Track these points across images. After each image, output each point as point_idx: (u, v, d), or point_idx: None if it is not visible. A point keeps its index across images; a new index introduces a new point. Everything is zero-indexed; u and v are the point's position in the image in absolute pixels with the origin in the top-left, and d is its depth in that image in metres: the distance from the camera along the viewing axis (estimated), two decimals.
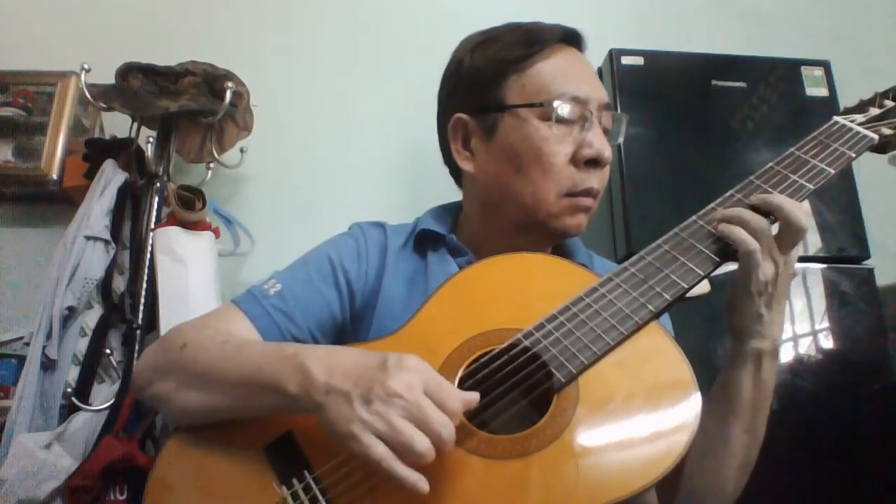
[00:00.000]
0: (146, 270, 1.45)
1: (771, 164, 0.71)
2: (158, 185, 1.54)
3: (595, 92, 0.77)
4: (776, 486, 1.07)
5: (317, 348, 0.65)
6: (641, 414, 0.57)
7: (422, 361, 0.56)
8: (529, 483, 0.55)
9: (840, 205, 1.51)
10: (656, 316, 0.63)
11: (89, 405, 1.34)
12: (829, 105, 1.57)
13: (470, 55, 0.81)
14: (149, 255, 1.46)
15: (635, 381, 0.59)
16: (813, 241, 1.48)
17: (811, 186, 0.68)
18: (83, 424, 1.31)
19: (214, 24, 1.90)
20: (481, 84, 0.79)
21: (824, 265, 1.47)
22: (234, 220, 1.64)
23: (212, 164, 1.65)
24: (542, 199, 0.75)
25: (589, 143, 0.74)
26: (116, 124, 1.69)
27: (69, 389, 1.36)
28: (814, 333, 1.42)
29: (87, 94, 1.55)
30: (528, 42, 0.77)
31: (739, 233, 0.64)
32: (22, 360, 1.38)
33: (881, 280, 1.48)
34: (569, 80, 0.76)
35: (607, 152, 0.75)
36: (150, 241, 1.47)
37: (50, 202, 1.68)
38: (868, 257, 1.49)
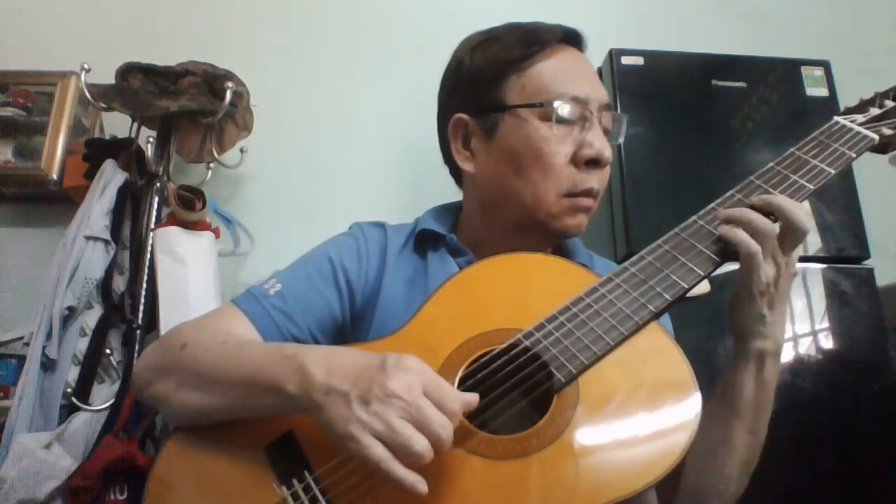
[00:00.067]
0: (146, 270, 1.45)
1: (771, 164, 0.71)
2: (158, 185, 1.54)
3: (595, 92, 0.77)
4: (776, 486, 1.07)
5: (317, 348, 0.65)
6: (641, 414, 0.57)
7: (421, 362, 0.56)
8: (529, 483, 0.55)
9: (840, 205, 1.51)
10: (656, 316, 0.63)
11: (89, 405, 1.34)
12: (829, 105, 1.57)
13: (470, 55, 0.81)
14: (149, 255, 1.46)
15: (635, 381, 0.59)
16: (813, 241, 1.48)
17: (811, 186, 0.68)
18: (83, 424, 1.31)
19: (214, 24, 1.90)
20: (481, 84, 0.79)
21: (824, 265, 1.47)
22: (234, 220, 1.64)
23: (212, 164, 1.65)
24: (542, 200, 0.75)
25: (589, 144, 0.74)
26: (116, 124, 1.69)
27: (69, 389, 1.36)
28: (814, 333, 1.42)
29: (87, 94, 1.55)
30: (528, 42, 0.77)
31: (740, 235, 0.64)
32: (22, 360, 1.38)
33: (881, 280, 1.48)
34: (569, 80, 0.76)
35: (607, 152, 0.75)
36: (150, 241, 1.47)
37: (50, 202, 1.68)
38: (868, 257, 1.49)
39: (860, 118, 0.76)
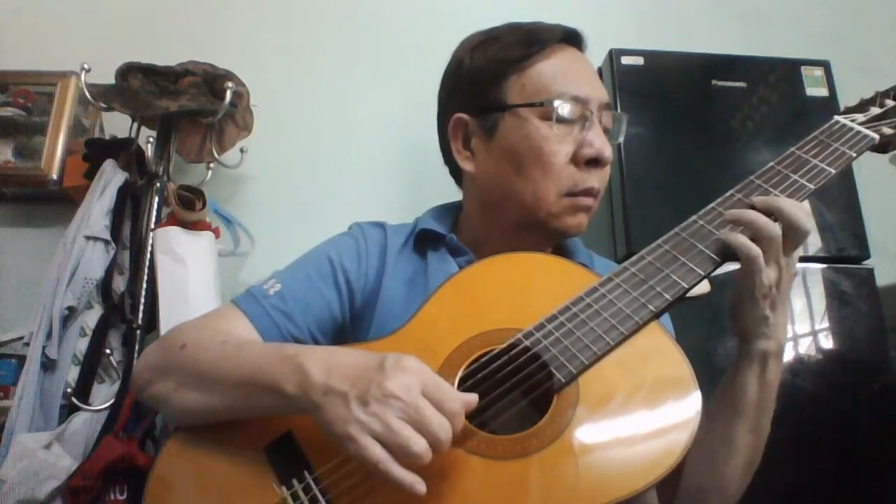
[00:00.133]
0: (146, 270, 1.45)
1: (771, 163, 0.71)
2: (158, 185, 1.54)
3: (595, 91, 0.77)
4: (776, 486, 1.07)
5: (316, 349, 0.65)
6: (642, 413, 0.57)
7: (420, 362, 0.56)
8: (529, 483, 0.55)
9: (840, 205, 1.51)
10: (657, 316, 0.63)
11: (89, 405, 1.34)
12: (829, 105, 1.57)
13: (470, 55, 0.81)
14: (149, 255, 1.46)
15: (635, 380, 0.59)
16: (813, 241, 1.48)
17: (812, 186, 0.68)
18: (83, 424, 1.31)
19: (214, 24, 1.90)
20: (481, 84, 0.79)
21: (824, 265, 1.47)
22: (234, 220, 1.64)
23: (212, 164, 1.65)
24: (542, 199, 0.75)
25: (589, 143, 0.74)
26: (116, 124, 1.69)
27: (69, 389, 1.36)
28: (814, 333, 1.42)
29: (87, 94, 1.55)
30: (528, 42, 0.77)
31: (740, 238, 0.63)
32: (22, 360, 1.38)
33: (881, 280, 1.48)
34: (569, 79, 0.76)
35: (608, 152, 0.75)
36: (150, 241, 1.46)
37: (50, 202, 1.68)
38: (868, 257, 1.49)
39: (860, 117, 0.75)
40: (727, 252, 0.65)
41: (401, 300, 0.76)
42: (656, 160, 1.53)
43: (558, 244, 0.85)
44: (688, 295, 0.64)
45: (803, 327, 1.42)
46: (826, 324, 1.42)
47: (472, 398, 0.56)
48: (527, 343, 0.62)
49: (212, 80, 1.57)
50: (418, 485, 0.51)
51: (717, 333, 1.34)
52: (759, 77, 1.61)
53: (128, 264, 1.48)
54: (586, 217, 0.78)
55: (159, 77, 1.55)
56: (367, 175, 1.81)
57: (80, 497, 1.20)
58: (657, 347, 0.61)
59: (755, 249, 0.63)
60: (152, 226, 1.49)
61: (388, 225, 0.87)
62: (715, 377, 0.71)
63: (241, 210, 1.70)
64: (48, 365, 1.36)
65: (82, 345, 1.40)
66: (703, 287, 0.66)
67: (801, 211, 0.64)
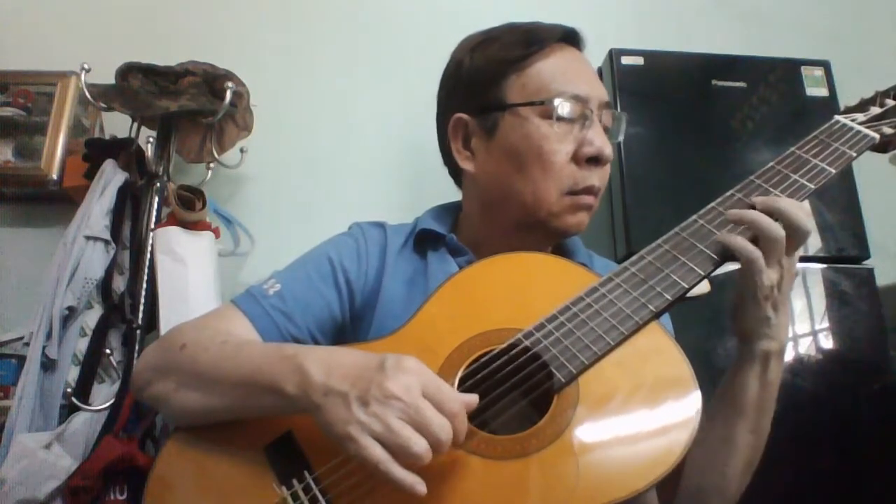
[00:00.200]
0: (146, 270, 1.45)
1: (772, 163, 0.71)
2: (158, 185, 1.53)
3: (595, 90, 0.77)
4: (776, 486, 1.07)
5: (316, 349, 0.65)
6: (642, 413, 0.57)
7: (420, 363, 0.56)
8: (529, 483, 0.54)
9: (840, 205, 1.51)
10: (657, 316, 0.63)
11: (89, 405, 1.34)
12: (829, 105, 1.57)
13: (469, 56, 0.81)
14: (149, 255, 1.46)
15: (635, 380, 0.59)
16: (813, 242, 1.48)
17: (812, 186, 0.68)
18: (83, 424, 1.30)
19: (214, 24, 1.90)
20: (481, 84, 0.79)
21: (824, 265, 1.47)
22: (234, 220, 1.64)
23: (212, 164, 1.65)
24: (543, 198, 0.75)
25: (590, 142, 0.75)
26: (116, 124, 1.69)
27: (69, 389, 1.36)
28: (814, 333, 1.42)
29: (87, 94, 1.55)
30: (527, 42, 0.77)
31: (739, 241, 0.63)
32: (22, 360, 1.37)
33: (881, 280, 1.48)
34: (568, 78, 0.76)
35: (608, 150, 0.76)
36: (150, 241, 1.46)
37: (50, 202, 1.68)
38: (868, 257, 1.49)
39: (861, 117, 0.75)
40: (727, 252, 0.65)
41: (401, 300, 0.76)
42: (656, 160, 1.53)
43: (558, 244, 0.85)
44: (688, 295, 0.64)
45: (803, 327, 1.42)
46: (826, 324, 1.42)
47: (473, 399, 0.56)
48: (527, 343, 0.62)
49: (212, 80, 1.57)
50: (419, 485, 0.51)
51: (717, 333, 1.34)
52: (759, 77, 1.60)
53: (128, 264, 1.48)
54: (587, 216, 0.78)
55: (159, 77, 1.55)
56: (367, 175, 1.81)
57: (80, 497, 1.20)
58: (657, 347, 0.61)
59: (755, 251, 0.63)
60: (152, 226, 1.49)
61: (387, 225, 0.87)
62: (715, 377, 0.71)
63: (241, 210, 1.70)
64: (48, 365, 1.36)
65: (82, 345, 1.40)
66: (703, 287, 0.66)
67: (802, 211, 0.64)
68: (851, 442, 1.34)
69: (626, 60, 1.59)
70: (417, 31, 1.92)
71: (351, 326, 0.78)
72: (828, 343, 1.41)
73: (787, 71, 1.61)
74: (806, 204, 0.67)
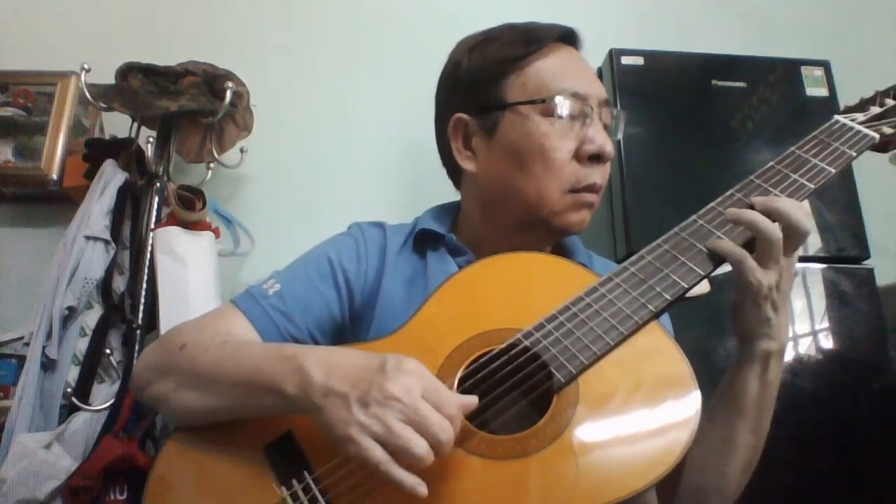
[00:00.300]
0: (146, 270, 1.45)
1: (772, 163, 0.71)
2: (158, 185, 1.53)
3: (594, 88, 0.77)
4: (776, 486, 1.07)
5: (316, 349, 0.65)
6: (641, 413, 0.57)
7: (420, 365, 0.56)
8: (529, 483, 0.55)
9: (840, 205, 1.51)
10: (656, 316, 0.63)
11: (89, 405, 1.34)
12: (829, 105, 1.57)
13: (468, 56, 0.81)
14: (149, 255, 1.46)
15: (635, 380, 0.59)
16: (813, 241, 1.48)
17: (812, 186, 0.68)
18: (83, 424, 1.30)
19: (214, 24, 1.90)
20: (481, 84, 0.79)
21: (824, 265, 1.46)
22: (234, 220, 1.64)
23: (212, 164, 1.65)
24: (545, 197, 0.75)
25: (591, 139, 0.75)
26: (116, 124, 1.69)
27: (69, 389, 1.35)
28: (814, 333, 1.42)
29: (87, 94, 1.55)
30: (526, 41, 0.78)
31: (727, 245, 0.64)
32: (22, 360, 1.37)
33: (881, 280, 1.48)
34: (568, 77, 0.76)
35: (609, 147, 0.76)
36: (150, 241, 1.46)
37: (50, 202, 1.68)
38: (868, 257, 1.49)
39: (860, 117, 0.75)
40: (717, 256, 0.65)
41: (400, 300, 0.76)
42: (656, 160, 1.53)
43: (557, 243, 0.85)
44: (688, 295, 0.64)
45: (803, 327, 1.41)
46: (826, 324, 1.42)
47: (472, 400, 0.56)
48: (526, 343, 0.62)
49: (212, 80, 1.57)
50: (419, 486, 0.51)
51: (717, 333, 1.34)
52: (759, 77, 1.60)
53: (128, 264, 1.48)
54: (589, 213, 0.78)
55: (159, 77, 1.55)
56: (367, 175, 1.81)
57: (80, 497, 1.20)
58: (657, 347, 0.61)
59: (741, 253, 0.63)
60: (152, 226, 1.49)
61: (387, 225, 0.87)
62: (715, 377, 0.71)
63: (241, 210, 1.70)
64: (48, 365, 1.36)
65: (82, 345, 1.40)
66: (703, 287, 0.66)
67: (801, 211, 0.64)
68: (851, 442, 1.34)
69: (626, 60, 1.59)
70: (417, 31, 1.92)
71: (350, 326, 0.78)
72: (828, 343, 1.41)
73: (787, 71, 1.61)
74: (805, 204, 0.67)
